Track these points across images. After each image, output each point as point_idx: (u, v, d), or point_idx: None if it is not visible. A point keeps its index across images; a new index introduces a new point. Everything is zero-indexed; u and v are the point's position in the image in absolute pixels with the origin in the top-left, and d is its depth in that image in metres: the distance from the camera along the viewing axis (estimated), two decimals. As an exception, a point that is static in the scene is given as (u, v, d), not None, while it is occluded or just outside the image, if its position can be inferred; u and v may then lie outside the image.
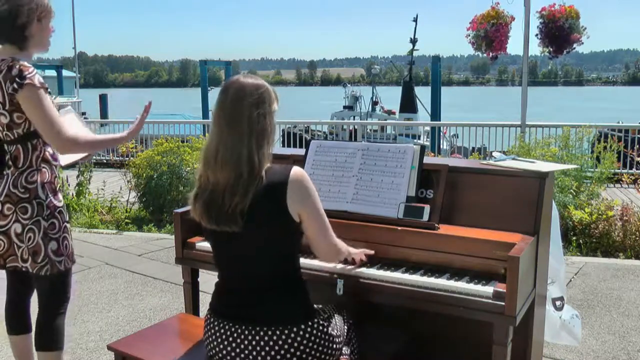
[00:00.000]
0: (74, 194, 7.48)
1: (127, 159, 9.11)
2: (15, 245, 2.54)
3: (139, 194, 7.41)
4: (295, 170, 2.05)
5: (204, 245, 2.71)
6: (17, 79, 2.43)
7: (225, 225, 2.02)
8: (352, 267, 2.39)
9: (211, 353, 2.12)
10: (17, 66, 2.45)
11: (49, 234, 2.56)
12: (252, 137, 2.01)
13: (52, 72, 26.89)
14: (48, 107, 2.48)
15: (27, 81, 2.44)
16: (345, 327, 2.26)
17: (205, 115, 20.31)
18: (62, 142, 2.50)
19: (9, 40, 2.52)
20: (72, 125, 2.66)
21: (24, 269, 2.57)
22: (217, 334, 2.08)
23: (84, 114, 23.18)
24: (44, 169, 2.57)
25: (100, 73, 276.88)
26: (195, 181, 2.13)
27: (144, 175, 7.24)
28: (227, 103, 2.05)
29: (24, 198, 2.51)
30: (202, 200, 2.06)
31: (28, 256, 2.54)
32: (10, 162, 2.53)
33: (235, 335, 2.04)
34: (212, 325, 2.11)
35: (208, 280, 3.42)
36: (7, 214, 2.51)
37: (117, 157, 12.22)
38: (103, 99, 29.17)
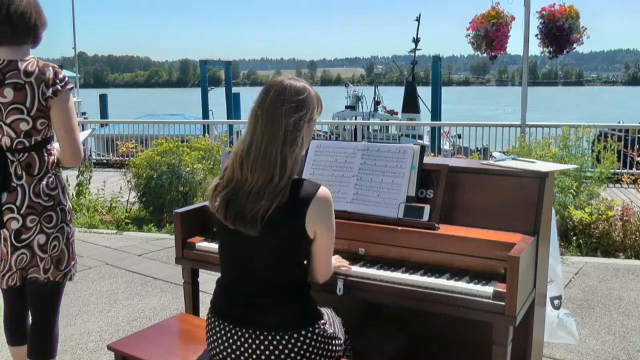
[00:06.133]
0: (74, 194, 7.49)
1: (127, 159, 9.11)
2: (38, 257, 2.41)
3: (139, 194, 7.41)
4: (323, 189, 2.04)
5: (204, 245, 2.71)
6: (57, 82, 2.34)
7: (241, 226, 1.99)
8: (352, 266, 2.39)
9: (212, 353, 2.12)
10: (51, 68, 2.36)
11: (70, 239, 2.51)
12: (287, 143, 1.99)
13: (52, 72, 26.79)
14: (75, 118, 2.42)
15: (69, 86, 2.38)
16: (343, 329, 2.26)
17: (205, 115, 20.33)
18: (78, 156, 2.44)
19: (28, 39, 2.41)
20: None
21: (45, 280, 2.46)
22: (219, 334, 2.07)
23: (84, 114, 23.20)
24: (58, 173, 2.48)
25: (100, 73, 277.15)
26: (220, 171, 2.10)
27: (144, 175, 7.24)
28: (266, 104, 2.03)
29: (49, 206, 2.40)
30: (224, 194, 2.03)
31: (50, 265, 2.44)
32: (21, 172, 2.37)
33: (236, 337, 2.03)
34: (214, 325, 2.10)
35: (208, 280, 3.43)
36: (30, 226, 2.38)
37: (117, 157, 12.23)
38: (103, 99, 29.18)
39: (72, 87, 2.42)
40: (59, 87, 2.35)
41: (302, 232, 2.01)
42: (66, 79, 2.40)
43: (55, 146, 2.51)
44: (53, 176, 2.45)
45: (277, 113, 2.00)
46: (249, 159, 2.00)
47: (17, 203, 2.36)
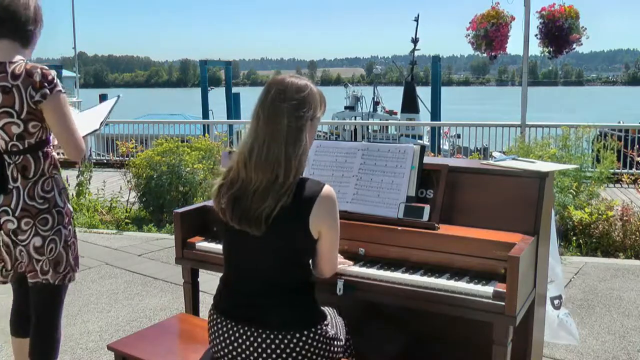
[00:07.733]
0: (74, 194, 7.48)
1: (127, 159, 9.11)
2: (34, 260, 2.41)
3: (139, 194, 7.42)
4: (327, 188, 2.02)
5: (204, 245, 2.71)
6: (45, 85, 2.29)
7: (246, 225, 1.98)
8: (352, 266, 2.39)
9: (214, 350, 2.12)
10: (38, 70, 2.29)
11: (69, 242, 2.50)
12: (289, 142, 1.97)
13: (52, 72, 26.78)
14: (71, 116, 2.39)
15: (57, 88, 2.32)
16: (345, 330, 2.26)
17: (205, 115, 20.31)
18: (80, 153, 2.41)
19: (15, 36, 2.35)
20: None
21: (44, 282, 2.45)
22: (221, 331, 2.07)
23: (84, 114, 23.13)
24: (56, 176, 2.46)
25: (100, 73, 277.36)
26: (223, 171, 2.08)
27: (144, 175, 7.24)
28: (267, 103, 2.01)
29: (44, 209, 2.39)
30: (230, 194, 2.01)
31: (49, 268, 2.43)
32: (17, 174, 2.35)
33: (237, 334, 2.03)
34: (216, 322, 2.10)
35: (208, 280, 3.43)
36: (25, 228, 2.37)
37: (117, 157, 12.23)
38: (103, 99, 29.17)
39: (60, 90, 2.34)
40: (47, 90, 2.30)
41: (306, 233, 2.00)
42: (55, 80, 2.34)
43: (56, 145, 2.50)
44: (49, 179, 2.43)
45: (279, 111, 1.99)
46: (252, 159, 1.98)
47: (12, 205, 2.36)
